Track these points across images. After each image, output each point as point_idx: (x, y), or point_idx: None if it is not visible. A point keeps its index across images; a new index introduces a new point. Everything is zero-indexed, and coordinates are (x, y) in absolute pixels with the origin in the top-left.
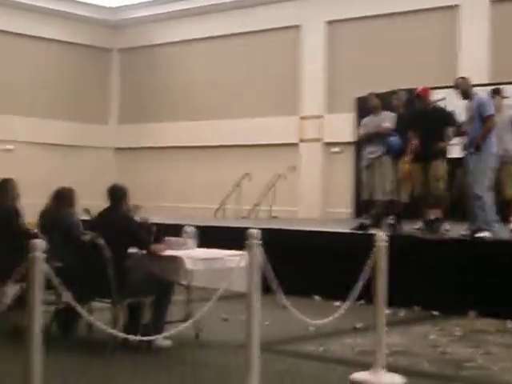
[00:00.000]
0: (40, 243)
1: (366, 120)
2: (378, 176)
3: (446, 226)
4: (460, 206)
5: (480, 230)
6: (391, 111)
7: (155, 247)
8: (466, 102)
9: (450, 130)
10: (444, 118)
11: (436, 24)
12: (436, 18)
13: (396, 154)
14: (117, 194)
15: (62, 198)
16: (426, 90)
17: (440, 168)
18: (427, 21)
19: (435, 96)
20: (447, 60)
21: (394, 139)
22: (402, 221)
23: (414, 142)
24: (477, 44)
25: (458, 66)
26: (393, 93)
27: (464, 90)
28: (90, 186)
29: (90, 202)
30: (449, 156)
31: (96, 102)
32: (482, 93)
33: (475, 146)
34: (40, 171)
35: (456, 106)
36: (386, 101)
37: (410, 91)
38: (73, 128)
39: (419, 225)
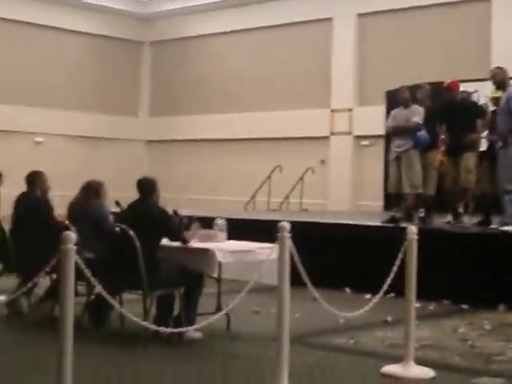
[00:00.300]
0: (71, 235)
1: (395, 112)
2: (406, 169)
3: (466, 218)
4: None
5: (507, 223)
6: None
7: (187, 234)
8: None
9: (480, 123)
10: (473, 110)
11: (468, 16)
12: (468, 10)
13: (423, 148)
14: (147, 187)
15: (91, 190)
16: (455, 83)
17: (471, 160)
18: (459, 13)
19: (467, 89)
20: (479, 53)
21: (422, 134)
22: (432, 214)
23: (444, 137)
24: (509, 35)
25: (490, 59)
26: (419, 86)
27: (500, 80)
28: (122, 178)
29: (122, 194)
30: (481, 149)
31: (127, 95)
32: None
33: (502, 140)
34: (71, 164)
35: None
36: (415, 94)
37: (437, 85)
38: (104, 120)
39: (448, 218)
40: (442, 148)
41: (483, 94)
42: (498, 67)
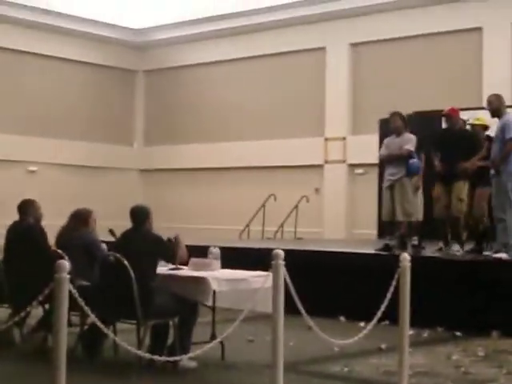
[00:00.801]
0: (65, 264)
1: (387, 140)
2: (399, 197)
3: (456, 247)
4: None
5: (499, 251)
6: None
7: (181, 253)
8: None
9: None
10: (470, 140)
11: (459, 46)
12: (459, 39)
13: (415, 175)
14: (139, 215)
15: (79, 218)
16: (454, 110)
17: (463, 189)
18: (450, 43)
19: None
20: (471, 82)
21: (415, 161)
22: (423, 241)
23: (438, 165)
24: (500, 65)
25: (482, 88)
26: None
27: (495, 107)
28: (116, 207)
29: (116, 223)
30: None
31: (121, 124)
32: (511, 115)
33: (494, 168)
34: (65, 193)
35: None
36: (409, 122)
37: (427, 113)
38: (98, 150)
39: (440, 245)
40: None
41: None
42: (494, 94)
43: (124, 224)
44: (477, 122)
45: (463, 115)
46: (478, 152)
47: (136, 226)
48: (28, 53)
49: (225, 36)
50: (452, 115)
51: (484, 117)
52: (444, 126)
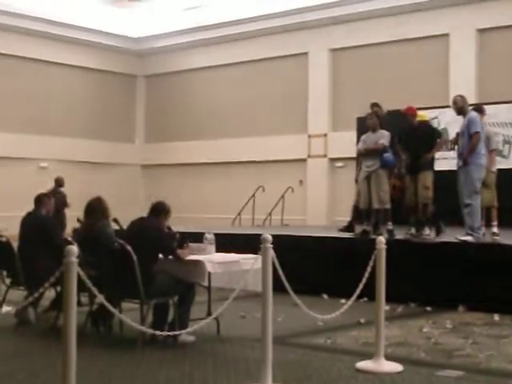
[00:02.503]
0: (73, 249)
1: (364, 136)
2: (375, 186)
3: (427, 230)
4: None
5: (466, 234)
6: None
7: (180, 252)
8: (461, 117)
9: (438, 144)
10: (429, 133)
11: (428, 50)
12: (429, 45)
13: (390, 168)
14: (156, 208)
15: (96, 211)
16: (411, 109)
17: (428, 178)
18: (421, 48)
19: (429, 114)
20: (439, 83)
21: (389, 155)
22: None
23: (405, 157)
24: (465, 68)
25: (448, 89)
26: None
27: (460, 106)
28: (119, 199)
29: (119, 214)
30: (436, 168)
31: (124, 124)
32: (474, 112)
33: (462, 160)
34: (73, 186)
35: (448, 123)
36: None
37: (398, 111)
38: (103, 147)
39: (412, 230)
40: (396, 171)
41: (443, 118)
42: (459, 95)
43: (126, 215)
44: (425, 119)
45: (433, 112)
46: (436, 143)
47: (149, 216)
48: (40, 60)
49: (217, 43)
50: (408, 113)
51: (424, 114)
52: (403, 123)
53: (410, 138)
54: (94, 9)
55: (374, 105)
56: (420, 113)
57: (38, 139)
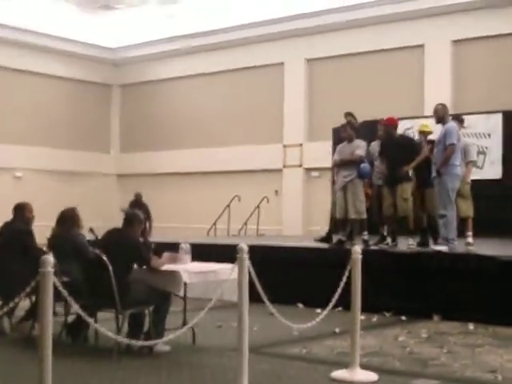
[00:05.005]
0: (49, 259)
1: (340, 147)
2: (351, 197)
3: (410, 240)
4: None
5: (440, 244)
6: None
7: (155, 262)
8: (440, 126)
9: (418, 157)
10: (409, 146)
11: (404, 61)
12: (404, 56)
13: (366, 178)
14: (130, 219)
15: (68, 220)
16: (391, 119)
17: (407, 190)
18: (396, 58)
19: (404, 125)
20: (414, 93)
21: (365, 165)
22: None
23: (378, 169)
24: (440, 79)
25: (423, 99)
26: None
27: (440, 116)
28: (95, 209)
29: (94, 224)
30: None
31: (99, 133)
32: (453, 122)
33: (436, 171)
34: (48, 196)
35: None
36: (359, 130)
37: (376, 122)
38: (78, 156)
39: (388, 240)
40: (367, 181)
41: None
42: (440, 104)
43: (101, 225)
44: (426, 129)
45: (407, 123)
46: (416, 156)
47: (123, 227)
48: (14, 69)
49: (193, 53)
50: (388, 124)
51: (429, 123)
52: (380, 133)
53: (390, 149)
54: (69, 18)
55: (348, 114)
56: (426, 122)
57: (13, 149)
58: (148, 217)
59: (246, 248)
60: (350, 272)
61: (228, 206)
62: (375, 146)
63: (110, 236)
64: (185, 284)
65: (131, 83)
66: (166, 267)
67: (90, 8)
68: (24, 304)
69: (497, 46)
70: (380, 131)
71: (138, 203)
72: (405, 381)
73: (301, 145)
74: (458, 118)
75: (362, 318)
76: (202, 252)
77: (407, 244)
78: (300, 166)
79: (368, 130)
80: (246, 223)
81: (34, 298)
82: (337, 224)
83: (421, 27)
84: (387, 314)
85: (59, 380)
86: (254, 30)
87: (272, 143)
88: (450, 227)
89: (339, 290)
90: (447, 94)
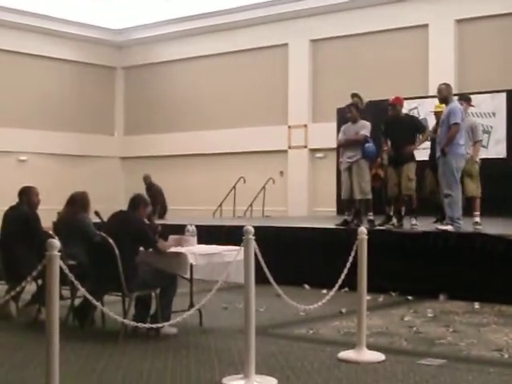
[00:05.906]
0: (55, 243)
1: (344, 127)
2: (356, 177)
3: (413, 220)
4: (428, 203)
5: (446, 224)
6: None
7: (161, 245)
8: (445, 106)
9: (420, 135)
10: (414, 125)
11: (408, 41)
12: (408, 35)
13: (371, 158)
14: (135, 201)
15: (77, 203)
16: (398, 99)
17: (412, 170)
18: (401, 38)
19: (409, 105)
20: (419, 73)
21: (370, 145)
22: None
23: (386, 149)
24: (445, 58)
25: (428, 79)
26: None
27: (444, 95)
28: (99, 191)
29: (99, 206)
30: (418, 159)
31: (103, 116)
32: (457, 102)
33: (441, 150)
34: (53, 179)
35: (427, 113)
36: (364, 111)
37: (381, 102)
38: (82, 139)
39: (394, 220)
40: (379, 161)
41: (423, 109)
42: (444, 84)
43: (106, 207)
44: (438, 109)
45: (412, 103)
46: (422, 134)
47: (128, 209)
48: (18, 52)
49: (197, 34)
50: (396, 103)
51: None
52: (390, 113)
53: (395, 128)
54: (73, 0)
55: (354, 95)
56: (437, 103)
57: (17, 132)
58: (157, 199)
59: (252, 229)
60: (356, 252)
61: (233, 187)
62: None
63: (116, 219)
64: (191, 266)
65: (135, 65)
66: (173, 249)
67: None
68: (30, 288)
69: (501, 25)
70: (390, 111)
71: (147, 186)
72: (411, 360)
73: (305, 126)
74: (465, 98)
75: (368, 298)
76: (208, 234)
77: (410, 224)
78: (305, 146)
79: (373, 109)
80: (251, 205)
81: (40, 282)
82: (342, 205)
83: (425, 7)
84: (393, 294)
85: (66, 363)
86: (258, 11)
87: (277, 124)
88: (456, 206)
89: (345, 271)
90: (451, 73)
